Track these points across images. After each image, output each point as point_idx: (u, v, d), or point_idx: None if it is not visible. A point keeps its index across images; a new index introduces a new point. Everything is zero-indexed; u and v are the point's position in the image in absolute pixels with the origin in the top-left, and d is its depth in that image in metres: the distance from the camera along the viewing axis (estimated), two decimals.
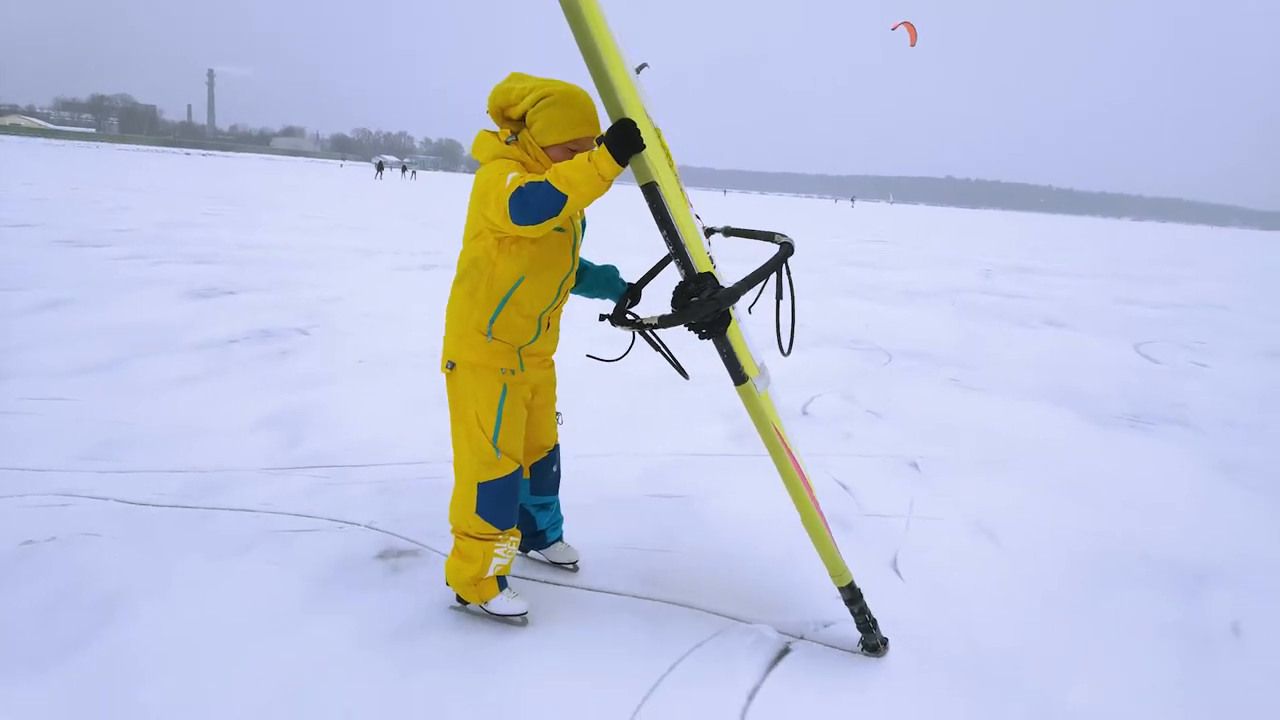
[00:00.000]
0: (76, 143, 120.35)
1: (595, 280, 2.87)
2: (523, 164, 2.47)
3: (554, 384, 2.94)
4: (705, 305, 2.24)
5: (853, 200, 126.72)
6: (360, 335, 6.90)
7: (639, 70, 2.70)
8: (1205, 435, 5.66)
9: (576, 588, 3.09)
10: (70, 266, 9.47)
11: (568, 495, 3.28)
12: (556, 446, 3.04)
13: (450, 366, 2.65)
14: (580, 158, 2.20)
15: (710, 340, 2.33)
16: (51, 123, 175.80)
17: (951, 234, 38.03)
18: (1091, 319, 11.20)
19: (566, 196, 2.20)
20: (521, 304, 2.58)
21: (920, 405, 5.89)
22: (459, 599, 2.84)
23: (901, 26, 25.29)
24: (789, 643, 2.80)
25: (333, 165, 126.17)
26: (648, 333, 2.65)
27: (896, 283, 14.11)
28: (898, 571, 3.35)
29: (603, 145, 2.15)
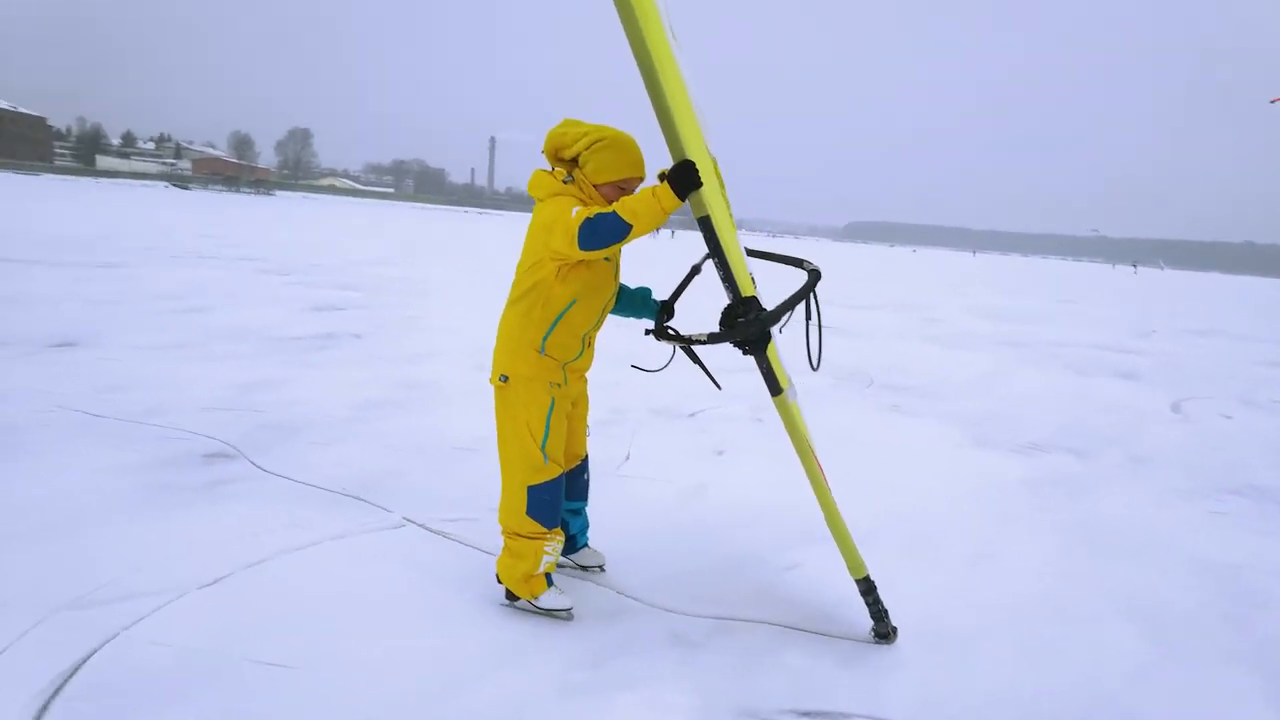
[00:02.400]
0: (377, 201, 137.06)
1: (632, 301, 3.14)
2: (580, 200, 2.73)
3: (588, 399, 3.18)
4: (751, 325, 2.54)
5: (1134, 266, 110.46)
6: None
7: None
8: None
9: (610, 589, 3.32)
10: (244, 285, 11.92)
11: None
12: (587, 457, 3.28)
13: (504, 379, 2.87)
14: (645, 192, 2.49)
15: (752, 355, 2.64)
16: (360, 184, 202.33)
17: None
18: None
19: (631, 226, 2.48)
20: (572, 324, 2.83)
21: None
22: (508, 595, 3.05)
23: None
24: (805, 634, 3.08)
25: None
26: (690, 347, 2.94)
27: None
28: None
29: (665, 182, 2.44)
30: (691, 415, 6.22)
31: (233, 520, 3.61)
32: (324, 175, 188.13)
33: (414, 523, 3.79)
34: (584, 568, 3.43)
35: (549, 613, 3.01)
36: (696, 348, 2.94)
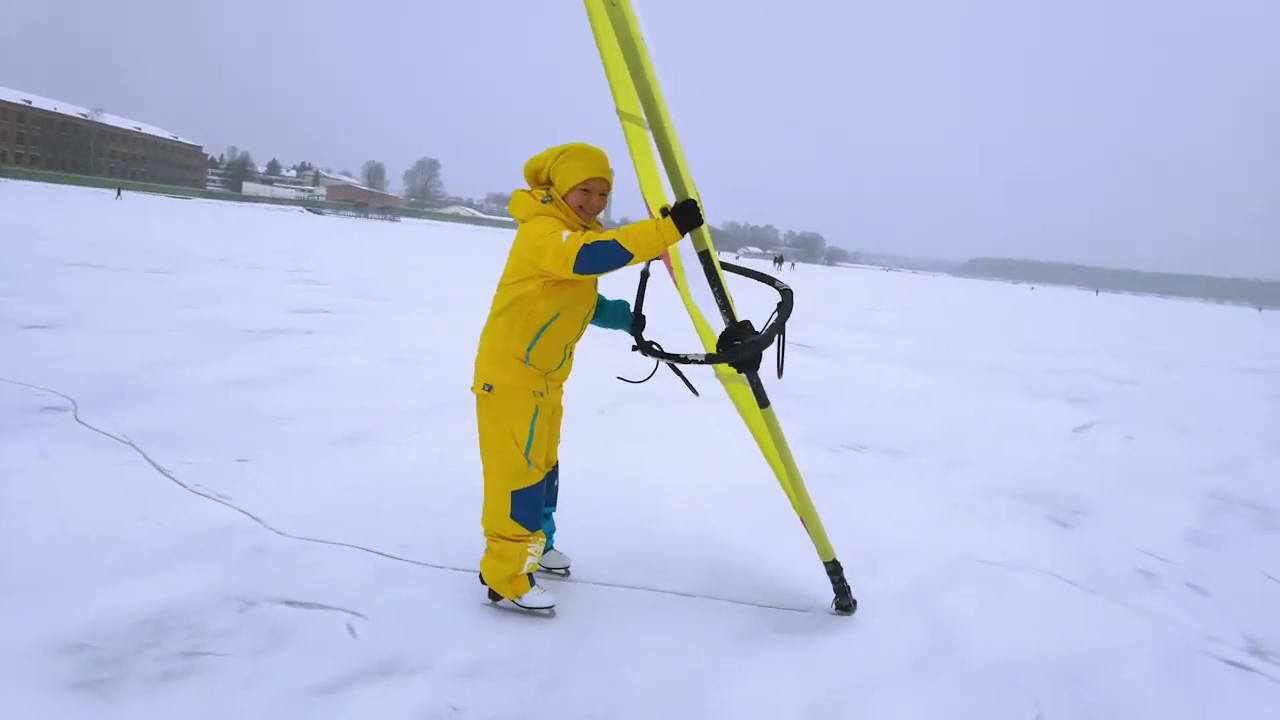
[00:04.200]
0: (494, 229, 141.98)
1: (611, 313, 3.30)
2: (562, 220, 2.88)
3: (563, 408, 3.33)
4: (748, 348, 2.76)
5: (1259, 307, 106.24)
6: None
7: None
8: None
9: (595, 584, 3.52)
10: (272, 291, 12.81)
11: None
12: (558, 463, 3.43)
13: (488, 388, 2.97)
14: (649, 224, 2.63)
15: (744, 372, 2.88)
16: (482, 212, 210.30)
17: None
18: None
19: (632, 255, 2.62)
20: (555, 335, 2.96)
21: None
22: (491, 595, 3.15)
23: None
24: (769, 610, 3.39)
25: None
26: (672, 363, 3.14)
27: None
28: None
29: (668, 217, 2.59)
30: (600, 412, 6.61)
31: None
32: (449, 204, 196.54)
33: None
34: (550, 569, 3.53)
35: (532, 611, 3.11)
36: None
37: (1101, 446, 7.43)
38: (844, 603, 3.42)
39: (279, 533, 3.66)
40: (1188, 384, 13.05)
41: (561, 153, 2.94)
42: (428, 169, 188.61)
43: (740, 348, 2.77)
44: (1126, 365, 14.97)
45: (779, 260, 72.93)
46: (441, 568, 3.49)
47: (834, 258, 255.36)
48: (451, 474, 4.66)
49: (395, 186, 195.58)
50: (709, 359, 2.90)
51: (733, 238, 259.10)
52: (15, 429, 4.71)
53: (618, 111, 3.13)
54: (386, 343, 9.11)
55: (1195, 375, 14.65)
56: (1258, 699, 3.11)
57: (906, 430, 7.19)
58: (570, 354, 3.13)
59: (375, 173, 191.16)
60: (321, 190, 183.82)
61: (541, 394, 3.02)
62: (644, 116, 2.54)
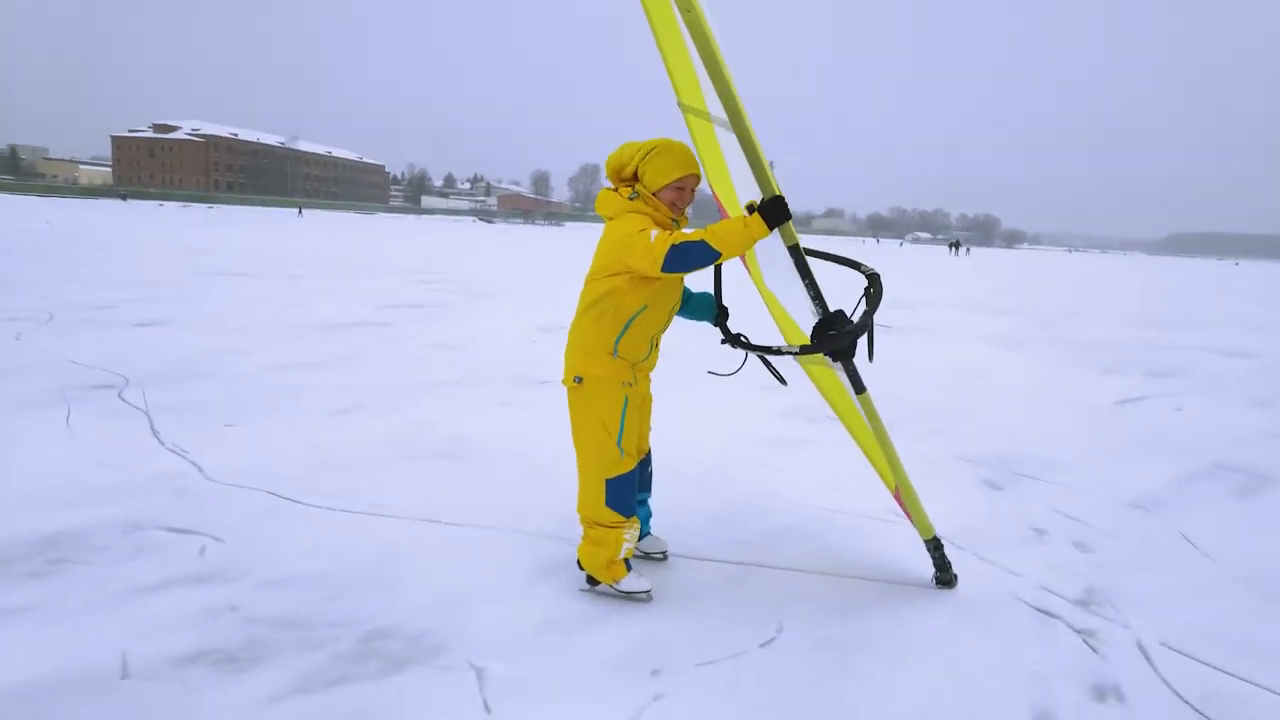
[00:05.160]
0: None
1: (695, 305, 3.38)
2: (650, 217, 2.94)
3: (652, 396, 3.34)
4: (842, 337, 2.78)
5: None
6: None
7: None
8: None
9: (687, 557, 3.63)
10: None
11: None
12: (650, 450, 3.46)
13: (578, 380, 3.04)
14: (736, 221, 2.67)
15: (840, 361, 2.88)
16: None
17: None
18: None
19: (720, 254, 2.69)
20: (643, 327, 3.01)
21: None
22: (589, 581, 3.23)
23: None
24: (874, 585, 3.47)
25: (869, 242, 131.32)
26: (763, 355, 3.21)
27: None
28: None
29: (756, 214, 2.64)
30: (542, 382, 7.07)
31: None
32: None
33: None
34: (648, 554, 3.58)
35: (629, 595, 3.18)
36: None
37: (1133, 418, 7.03)
38: (945, 577, 3.44)
39: (210, 479, 4.28)
40: None
41: (650, 150, 2.97)
42: (590, 174, 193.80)
43: (835, 337, 2.80)
44: (1259, 340, 13.64)
45: (955, 245, 69.78)
46: (331, 509, 3.98)
47: (1012, 240, 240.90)
48: (420, 436, 5.24)
49: (560, 193, 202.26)
50: (804, 350, 2.91)
51: (900, 224, 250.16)
52: (57, 401, 5.63)
53: (680, 104, 3.27)
54: (446, 331, 9.85)
55: None
56: (1032, 642, 3.09)
57: (919, 403, 7.06)
58: (657, 345, 3.19)
59: (541, 181, 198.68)
60: (493, 200, 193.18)
61: (630, 384, 3.08)
62: (723, 116, 2.61)
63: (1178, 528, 4.33)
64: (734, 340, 3.34)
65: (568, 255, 31.05)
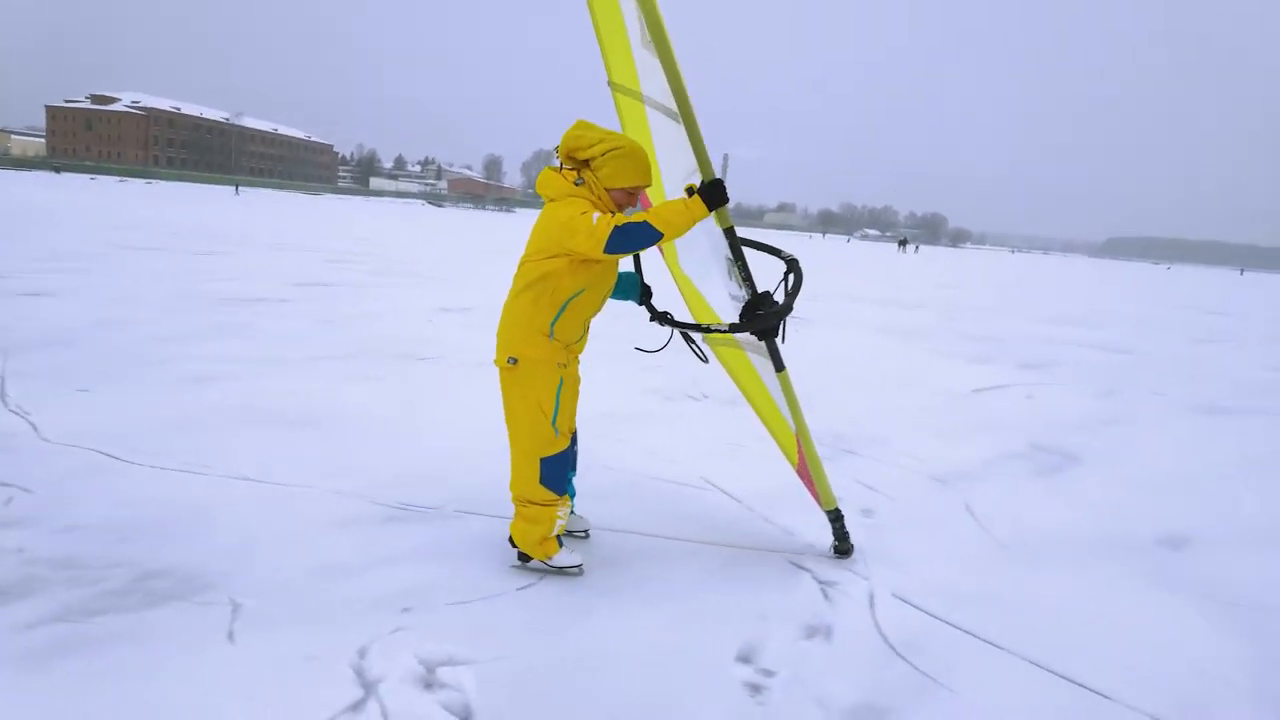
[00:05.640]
0: None
1: (622, 285, 3.47)
2: (592, 203, 2.98)
3: (579, 378, 3.37)
4: (770, 317, 3.03)
5: None
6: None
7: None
8: None
9: (618, 531, 3.82)
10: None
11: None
12: (576, 431, 3.46)
13: (512, 361, 3.08)
14: (678, 203, 2.80)
15: (764, 340, 3.13)
16: None
17: None
18: None
19: (663, 234, 2.78)
20: (578, 310, 3.07)
21: None
22: (520, 557, 3.32)
23: None
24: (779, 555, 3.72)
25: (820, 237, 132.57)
26: (687, 332, 3.48)
27: None
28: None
29: (697, 196, 2.78)
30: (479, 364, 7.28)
31: None
32: None
33: None
34: (572, 532, 3.68)
35: (561, 570, 3.29)
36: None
37: (979, 404, 7.49)
38: (843, 547, 3.68)
39: (44, 439, 4.41)
40: (1204, 356, 12.45)
41: (615, 149, 2.99)
42: (544, 160, 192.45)
43: (763, 317, 3.03)
44: (1151, 339, 14.34)
45: (903, 243, 71.18)
46: (155, 468, 4.14)
47: (958, 239, 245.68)
48: (273, 404, 5.43)
49: (513, 178, 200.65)
50: (733, 328, 3.10)
51: (849, 220, 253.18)
52: None
53: (610, 83, 3.42)
54: (342, 309, 9.97)
55: (1220, 347, 13.91)
56: (774, 590, 3.41)
57: None
58: (587, 328, 3.25)
59: (493, 165, 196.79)
60: (444, 184, 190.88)
61: (564, 366, 3.14)
62: (656, 97, 2.80)
63: (965, 499, 4.70)
64: (661, 318, 3.50)
65: (506, 241, 31.04)
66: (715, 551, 3.71)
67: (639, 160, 3.03)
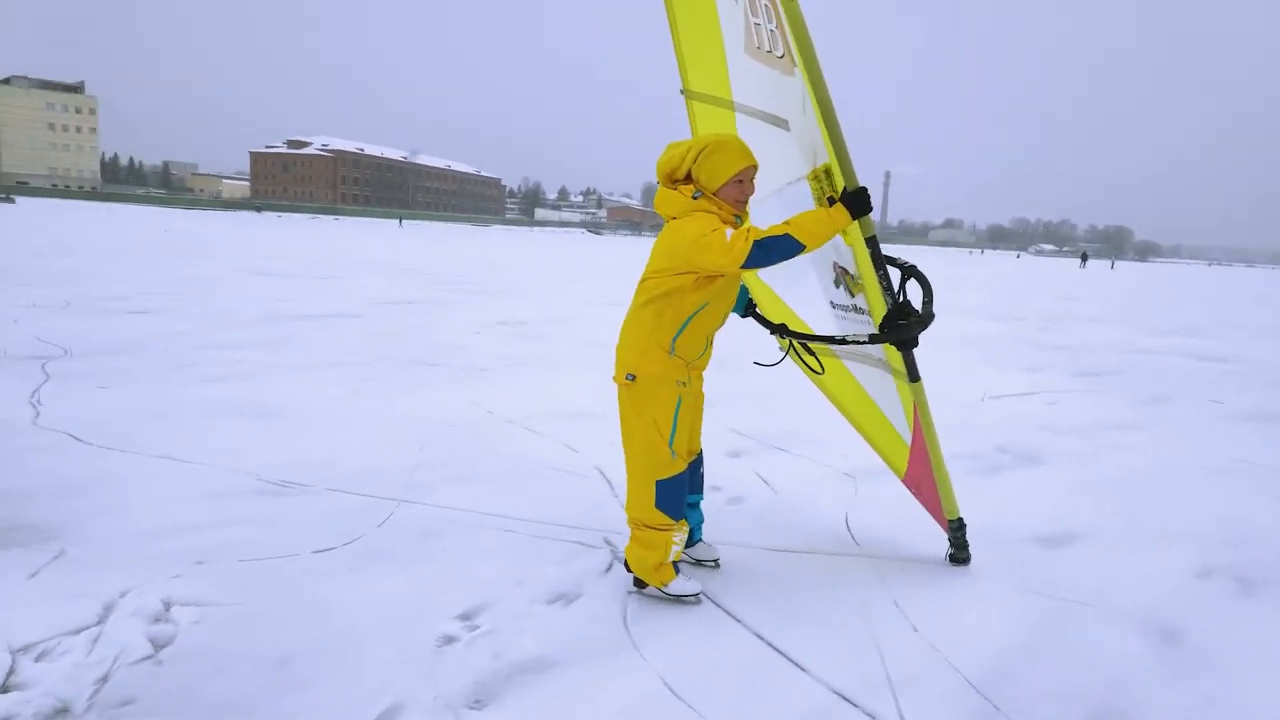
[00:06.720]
0: None
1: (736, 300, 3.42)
2: (718, 216, 2.89)
3: (703, 396, 3.27)
4: (912, 328, 2.94)
5: None
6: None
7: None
8: None
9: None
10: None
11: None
12: (701, 451, 3.39)
13: (631, 378, 2.99)
14: (820, 212, 2.76)
15: (903, 350, 3.05)
16: None
17: None
18: None
19: (805, 246, 2.72)
20: (701, 325, 3.00)
21: None
22: (636, 583, 3.19)
23: None
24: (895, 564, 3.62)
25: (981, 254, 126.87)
26: (806, 344, 3.48)
27: None
28: None
29: (839, 204, 2.75)
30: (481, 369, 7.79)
31: None
32: None
33: None
34: (699, 562, 3.49)
35: (678, 598, 3.13)
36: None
37: (981, 409, 7.20)
38: (960, 555, 3.63)
39: (35, 425, 5.14)
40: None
41: (702, 149, 2.92)
42: None
43: (905, 327, 2.95)
44: (1257, 347, 13.02)
45: (1085, 257, 68.73)
46: (107, 449, 4.73)
47: (1145, 253, 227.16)
48: (257, 401, 6.03)
49: None
50: (873, 339, 3.06)
51: (1022, 235, 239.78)
52: None
53: (686, 91, 3.44)
54: (399, 323, 10.73)
55: None
56: (576, 561, 3.54)
57: (783, 390, 7.37)
58: (710, 343, 3.17)
59: (651, 192, 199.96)
60: (604, 213, 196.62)
61: (685, 384, 3.05)
62: (771, 110, 2.92)
63: (874, 494, 4.62)
64: (780, 331, 3.50)
65: (608, 264, 31.74)
66: (569, 532, 3.87)
67: (730, 146, 2.95)
